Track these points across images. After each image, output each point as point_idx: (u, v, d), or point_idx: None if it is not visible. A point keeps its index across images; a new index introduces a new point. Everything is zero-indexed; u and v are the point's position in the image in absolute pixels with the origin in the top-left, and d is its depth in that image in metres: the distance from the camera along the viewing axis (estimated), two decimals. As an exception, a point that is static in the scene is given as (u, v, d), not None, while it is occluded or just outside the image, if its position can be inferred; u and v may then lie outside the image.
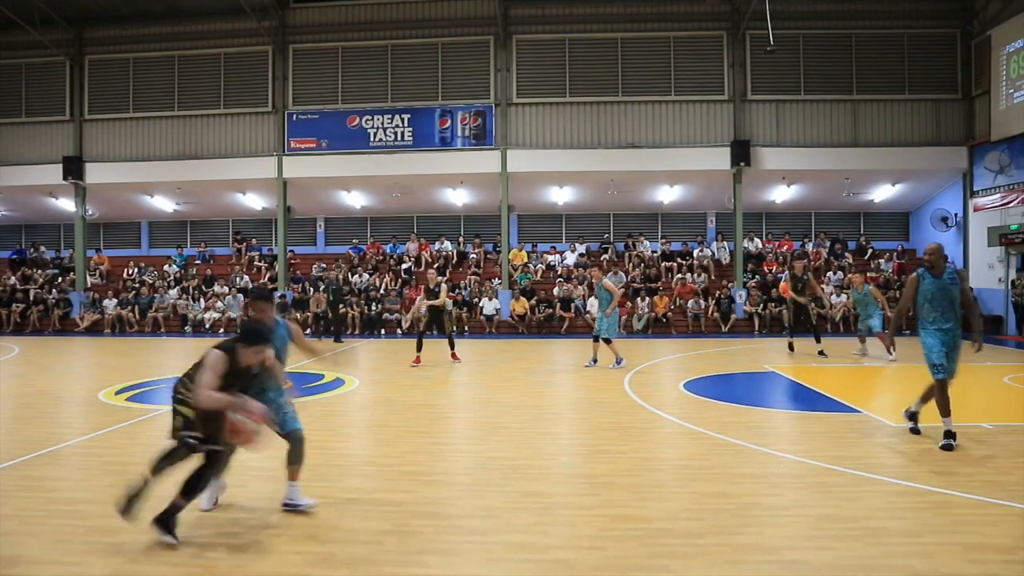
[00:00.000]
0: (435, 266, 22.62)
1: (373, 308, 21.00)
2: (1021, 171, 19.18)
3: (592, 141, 21.53)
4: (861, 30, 21.41)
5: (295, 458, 5.17)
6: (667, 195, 23.38)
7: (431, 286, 13.52)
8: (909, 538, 4.65)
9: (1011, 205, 19.49)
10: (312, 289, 21.37)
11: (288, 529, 4.87)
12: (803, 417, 8.78)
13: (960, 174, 21.64)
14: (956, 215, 22.05)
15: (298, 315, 20.63)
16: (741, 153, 20.87)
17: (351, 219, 25.55)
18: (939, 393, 6.95)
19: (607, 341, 12.81)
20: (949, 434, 6.85)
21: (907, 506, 5.30)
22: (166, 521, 4.53)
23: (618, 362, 12.74)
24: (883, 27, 21.40)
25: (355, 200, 24.14)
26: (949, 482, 5.82)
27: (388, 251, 24.31)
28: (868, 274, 21.88)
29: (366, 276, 22.53)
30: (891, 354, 11.09)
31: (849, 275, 12.67)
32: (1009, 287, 19.67)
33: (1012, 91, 19.30)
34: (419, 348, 13.48)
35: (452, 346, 13.73)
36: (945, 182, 22.43)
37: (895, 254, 23.14)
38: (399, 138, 21.82)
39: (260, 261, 24.06)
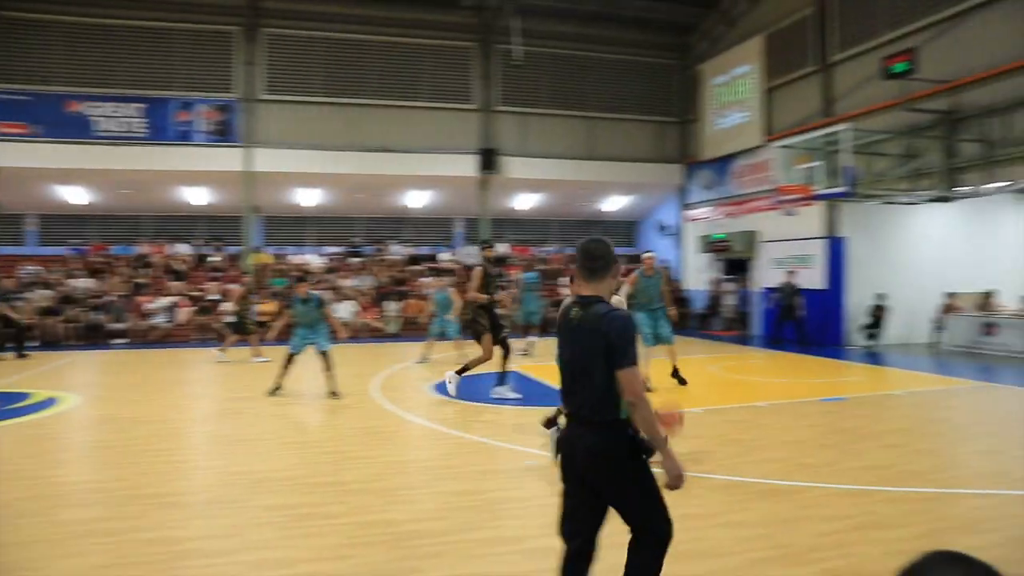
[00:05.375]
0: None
1: (98, 316, 18.87)
2: (724, 188, 21.98)
3: (343, 143, 21.15)
4: (598, 53, 23.22)
5: None
6: (416, 199, 23.65)
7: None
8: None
9: (717, 218, 22.24)
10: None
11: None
12: (543, 412, 9.30)
13: (677, 188, 24.33)
14: (674, 224, 24.76)
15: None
16: (488, 161, 21.69)
17: (71, 216, 22.79)
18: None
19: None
20: None
21: (632, 488, 5.83)
22: None
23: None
24: (616, 52, 23.39)
25: (76, 195, 21.61)
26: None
27: (116, 253, 22.02)
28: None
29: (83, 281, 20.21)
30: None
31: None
32: (714, 288, 22.42)
33: (718, 118, 22.07)
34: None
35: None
36: (665, 195, 25.06)
37: (623, 259, 25.49)
38: (130, 129, 19.84)
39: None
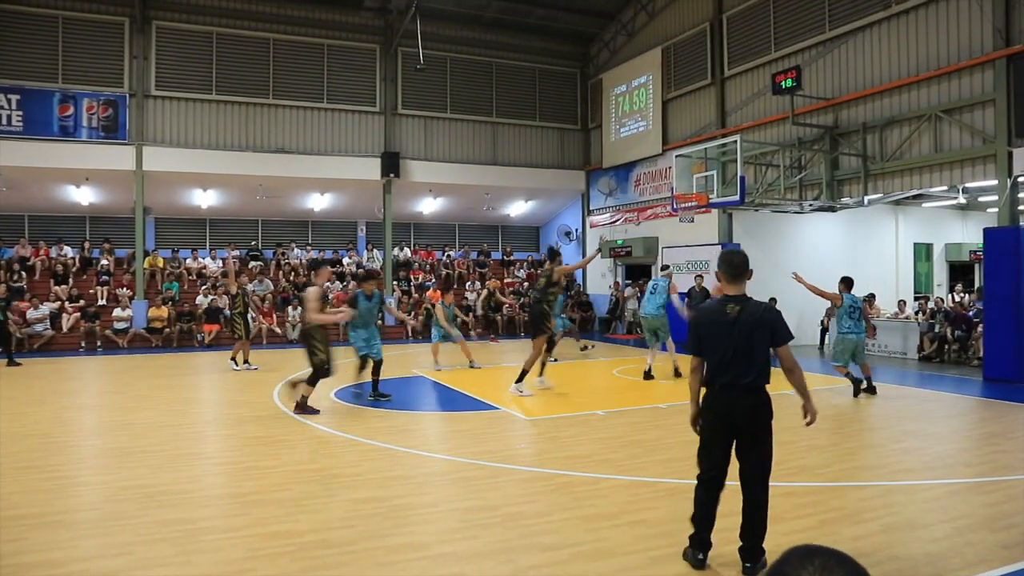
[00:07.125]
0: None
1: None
2: (625, 194, 22.53)
3: (240, 143, 20.47)
4: (500, 60, 23.40)
5: None
6: (318, 203, 23.18)
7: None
8: (540, 518, 5.17)
9: (617, 223, 22.78)
10: None
11: None
12: (448, 417, 9.30)
13: (579, 195, 24.81)
14: (576, 230, 25.21)
15: None
16: (391, 164, 21.46)
17: (-63, 216, 21.13)
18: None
19: None
20: None
21: (537, 490, 5.89)
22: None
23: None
24: (519, 59, 23.65)
25: (-58, 193, 20.05)
26: (570, 465, 6.59)
27: (-9, 255, 20.54)
28: (504, 280, 24.07)
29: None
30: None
31: (430, 292, 13.62)
32: (616, 293, 22.94)
33: (619, 127, 22.62)
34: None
35: None
36: (567, 201, 25.50)
37: (526, 263, 25.83)
38: (6, 122, 18.50)
39: None
